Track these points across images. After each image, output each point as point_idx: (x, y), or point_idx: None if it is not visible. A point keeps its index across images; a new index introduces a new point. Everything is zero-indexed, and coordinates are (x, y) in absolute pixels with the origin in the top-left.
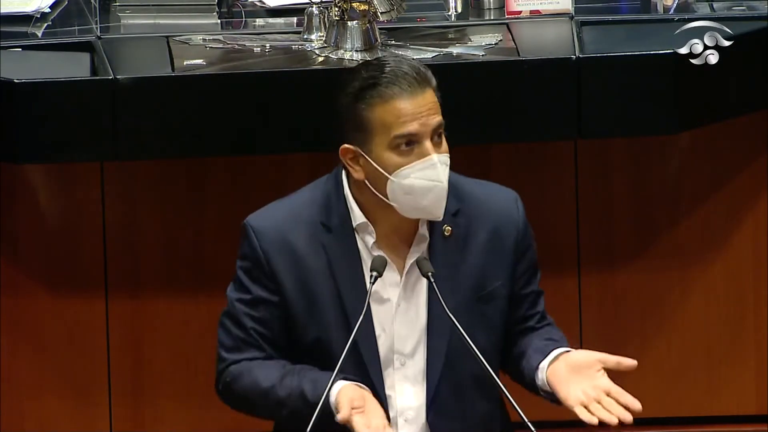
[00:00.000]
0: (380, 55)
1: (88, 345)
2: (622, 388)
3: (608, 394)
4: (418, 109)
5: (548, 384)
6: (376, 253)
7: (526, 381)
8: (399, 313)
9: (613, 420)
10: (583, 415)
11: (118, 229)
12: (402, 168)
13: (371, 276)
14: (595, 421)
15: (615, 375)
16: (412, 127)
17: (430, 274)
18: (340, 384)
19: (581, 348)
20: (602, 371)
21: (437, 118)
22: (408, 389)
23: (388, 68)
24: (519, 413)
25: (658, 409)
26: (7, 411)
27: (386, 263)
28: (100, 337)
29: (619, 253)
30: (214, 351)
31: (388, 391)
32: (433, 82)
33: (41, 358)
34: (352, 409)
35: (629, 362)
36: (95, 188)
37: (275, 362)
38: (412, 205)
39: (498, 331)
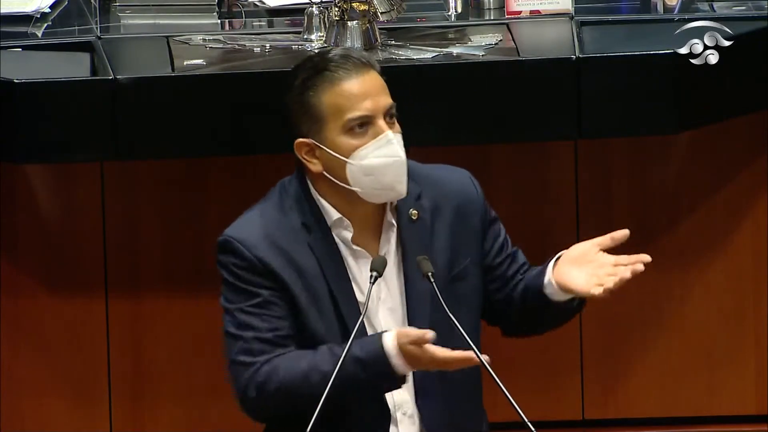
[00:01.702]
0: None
1: (88, 345)
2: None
3: (615, 266)
4: (366, 89)
5: (559, 286)
6: (354, 247)
7: (537, 309)
8: (380, 305)
9: (625, 273)
10: (598, 291)
11: (118, 229)
12: (358, 149)
13: (371, 276)
14: (610, 285)
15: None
16: (364, 107)
17: (430, 274)
18: (390, 333)
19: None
20: (601, 252)
21: (388, 100)
22: None
23: (331, 55)
24: (517, 411)
25: (658, 409)
26: (7, 411)
27: (386, 263)
28: (100, 337)
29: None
30: (214, 351)
31: None
32: (377, 66)
33: (41, 358)
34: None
35: (622, 233)
36: (95, 188)
37: (302, 350)
38: (374, 186)
39: (475, 309)
